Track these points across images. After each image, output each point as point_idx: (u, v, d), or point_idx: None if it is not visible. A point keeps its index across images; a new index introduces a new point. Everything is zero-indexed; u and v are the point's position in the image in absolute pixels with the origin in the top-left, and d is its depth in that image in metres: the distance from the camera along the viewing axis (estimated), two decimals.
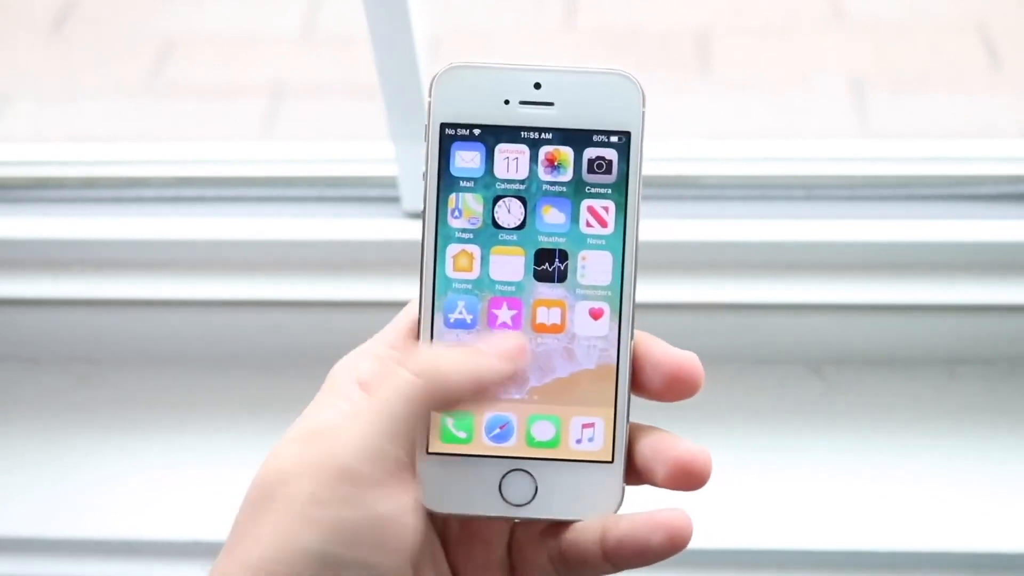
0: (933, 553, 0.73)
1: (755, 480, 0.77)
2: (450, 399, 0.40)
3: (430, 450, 0.41)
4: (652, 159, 0.83)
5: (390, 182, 0.81)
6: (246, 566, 0.37)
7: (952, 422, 0.79)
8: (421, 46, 0.73)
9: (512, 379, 0.41)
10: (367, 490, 0.38)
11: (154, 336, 0.85)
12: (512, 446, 0.41)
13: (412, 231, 0.80)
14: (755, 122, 1.27)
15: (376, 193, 0.83)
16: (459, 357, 0.40)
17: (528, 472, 0.41)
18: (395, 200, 0.81)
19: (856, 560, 0.74)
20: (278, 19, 1.51)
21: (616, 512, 0.41)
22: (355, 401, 0.40)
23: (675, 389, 0.42)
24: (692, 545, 0.80)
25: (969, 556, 0.73)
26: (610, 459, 0.41)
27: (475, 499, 0.41)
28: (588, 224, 0.42)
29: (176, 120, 1.36)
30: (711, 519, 0.75)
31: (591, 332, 0.42)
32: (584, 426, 0.42)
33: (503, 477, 0.41)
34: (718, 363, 0.84)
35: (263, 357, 0.83)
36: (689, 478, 0.40)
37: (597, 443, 0.42)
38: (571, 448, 0.42)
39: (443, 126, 0.42)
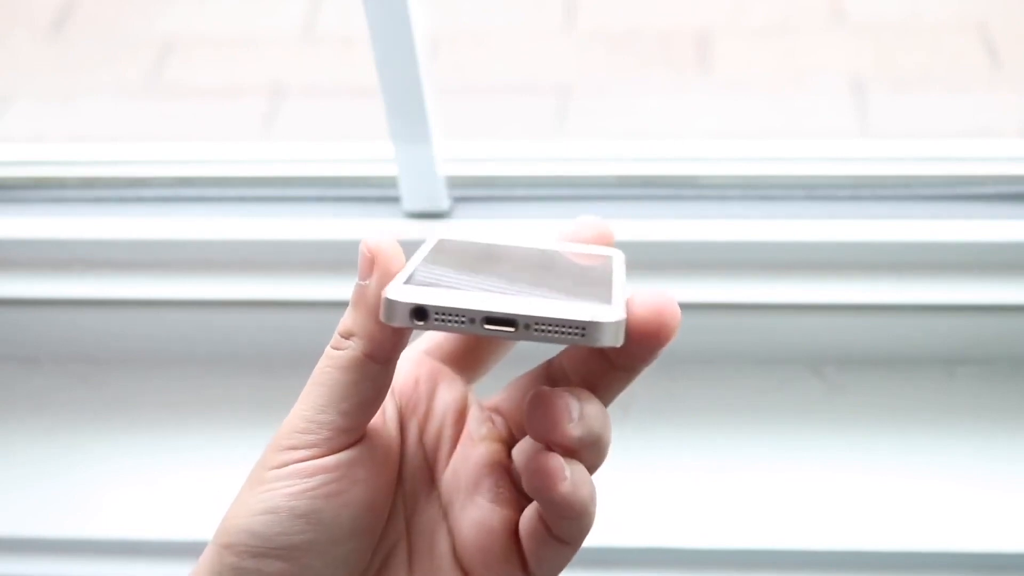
0: (933, 553, 0.73)
1: (755, 480, 0.77)
2: (352, 332, 0.39)
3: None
4: (652, 159, 0.83)
5: (390, 182, 0.81)
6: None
7: (952, 422, 0.79)
8: (421, 46, 0.73)
9: (385, 273, 0.39)
10: (292, 453, 0.39)
11: (154, 336, 0.85)
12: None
13: (412, 231, 0.80)
14: (755, 122, 1.27)
15: (376, 193, 0.83)
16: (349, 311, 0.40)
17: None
18: (395, 200, 0.81)
19: (856, 560, 0.74)
20: (278, 19, 1.51)
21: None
22: None
23: (648, 335, 0.38)
24: (693, 545, 0.80)
25: (969, 556, 0.73)
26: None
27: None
28: None
29: (176, 120, 1.36)
30: (711, 519, 0.75)
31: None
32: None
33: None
34: (718, 363, 0.84)
35: (263, 357, 0.83)
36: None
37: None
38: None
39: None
